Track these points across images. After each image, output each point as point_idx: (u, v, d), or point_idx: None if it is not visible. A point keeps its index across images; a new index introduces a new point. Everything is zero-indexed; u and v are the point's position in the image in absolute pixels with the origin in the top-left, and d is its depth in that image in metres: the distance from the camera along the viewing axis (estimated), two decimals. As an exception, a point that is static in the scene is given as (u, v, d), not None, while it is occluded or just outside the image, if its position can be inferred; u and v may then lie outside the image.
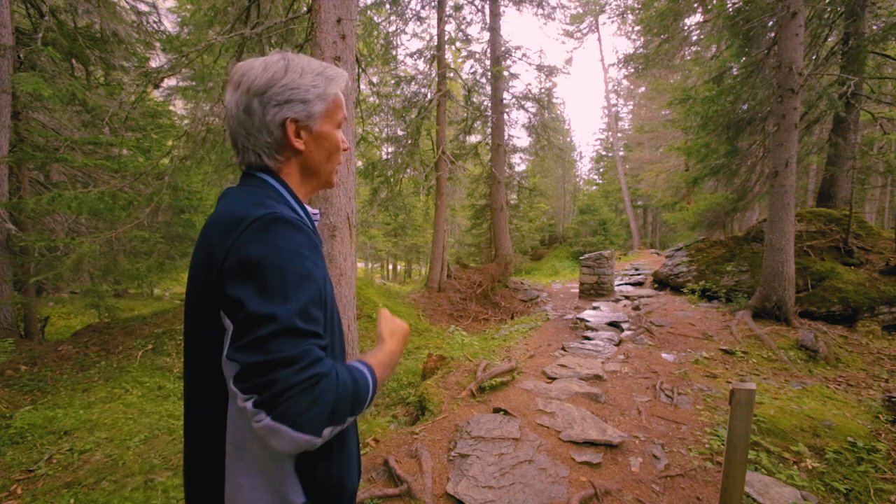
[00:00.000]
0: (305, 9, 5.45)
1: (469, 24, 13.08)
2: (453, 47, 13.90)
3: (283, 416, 0.60)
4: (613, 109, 29.81)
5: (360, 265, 25.20)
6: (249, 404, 0.61)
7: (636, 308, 7.65)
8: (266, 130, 0.81)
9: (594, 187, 31.85)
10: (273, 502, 0.75)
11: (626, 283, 10.95)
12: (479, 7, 12.90)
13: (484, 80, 13.49)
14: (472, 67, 13.87)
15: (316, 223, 0.93)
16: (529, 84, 30.41)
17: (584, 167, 38.05)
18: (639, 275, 11.98)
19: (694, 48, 10.41)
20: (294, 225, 0.72)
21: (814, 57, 8.31)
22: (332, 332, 0.82)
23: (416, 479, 2.58)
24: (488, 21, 12.91)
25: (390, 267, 28.69)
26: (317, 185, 0.92)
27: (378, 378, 0.79)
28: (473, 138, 15.21)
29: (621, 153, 27.10)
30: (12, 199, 5.69)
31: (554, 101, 15.03)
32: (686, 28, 9.57)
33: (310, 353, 0.64)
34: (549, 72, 13.54)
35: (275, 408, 0.60)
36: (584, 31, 22.86)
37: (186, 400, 0.81)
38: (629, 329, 6.30)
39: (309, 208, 0.90)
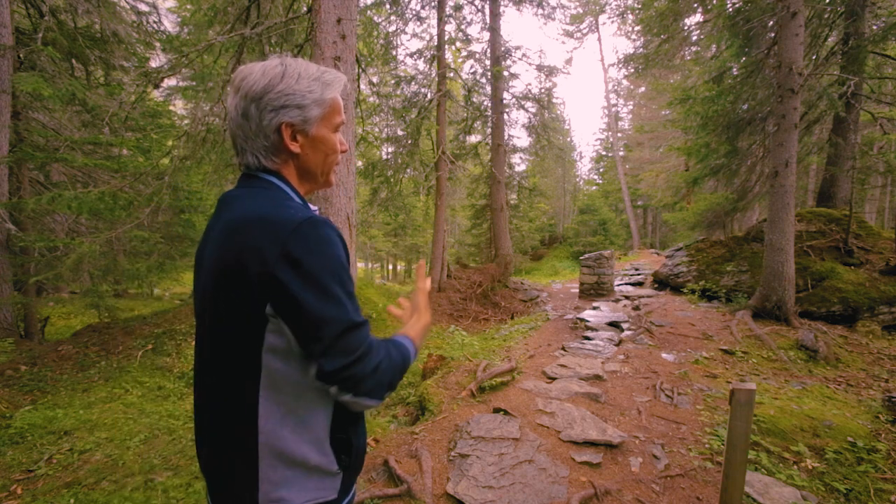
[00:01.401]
0: (305, 9, 5.45)
1: (469, 24, 13.09)
2: (453, 47, 13.90)
3: (363, 394, 0.79)
4: (613, 109, 29.81)
5: (360, 265, 25.20)
6: (334, 389, 0.77)
7: (636, 308, 7.65)
8: (263, 135, 0.85)
9: (594, 187, 31.86)
10: (311, 475, 0.83)
11: (626, 283, 10.95)
12: (479, 7, 12.90)
13: (484, 80, 13.49)
14: (472, 67, 13.88)
15: None
16: (529, 84, 30.43)
17: (584, 167, 38.10)
18: (639, 275, 11.98)
19: (694, 48, 10.42)
20: (329, 225, 0.79)
21: (814, 57, 8.31)
22: None
23: (416, 479, 2.57)
24: (488, 21, 12.91)
25: (390, 267, 28.69)
26: (315, 186, 0.96)
27: (416, 347, 0.96)
28: (473, 138, 15.21)
29: (621, 153, 27.10)
30: (12, 199, 5.69)
31: (554, 101, 15.03)
32: (686, 28, 9.57)
33: (368, 343, 0.80)
34: (549, 72, 13.54)
35: (357, 390, 0.78)
36: (584, 31, 22.86)
37: (207, 391, 0.86)
38: (629, 329, 6.30)
39: (311, 206, 0.93)
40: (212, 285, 0.81)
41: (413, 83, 12.38)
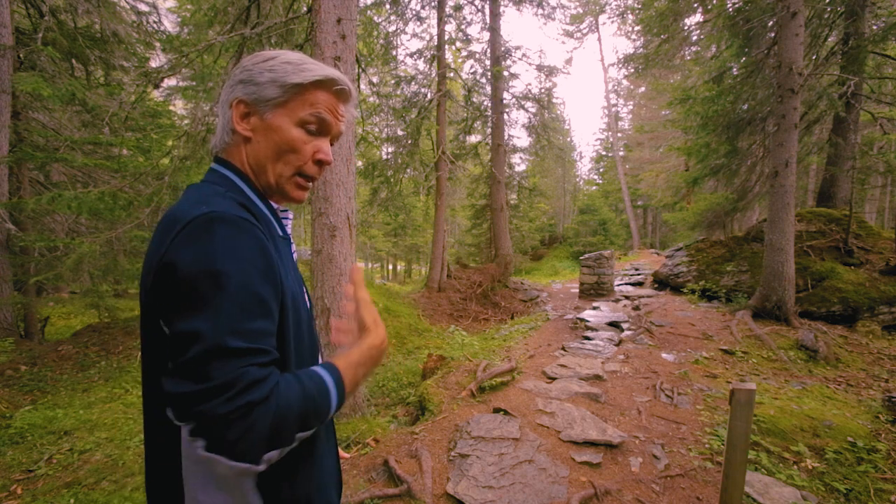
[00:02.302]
0: (305, 9, 5.45)
1: (469, 24, 13.09)
2: (453, 47, 13.91)
3: (218, 446, 0.56)
4: (613, 109, 29.82)
5: (360, 265, 25.18)
6: (186, 431, 0.57)
7: (636, 308, 7.65)
8: (221, 111, 0.80)
9: (594, 187, 31.85)
10: None
11: (626, 283, 10.95)
12: (479, 7, 12.91)
13: (484, 80, 13.49)
14: (472, 67, 13.89)
15: (285, 221, 0.86)
16: (529, 84, 30.40)
17: (584, 167, 38.09)
18: (639, 275, 11.98)
19: (694, 48, 10.41)
20: (235, 224, 0.64)
21: (814, 57, 8.31)
22: (297, 336, 0.75)
23: (416, 479, 2.58)
24: (488, 21, 12.91)
25: (390, 267, 28.69)
26: (270, 189, 0.81)
27: (348, 382, 0.71)
28: (473, 138, 15.21)
29: (621, 153, 27.10)
30: (12, 199, 5.69)
31: (554, 101, 15.03)
32: (686, 28, 9.57)
33: (242, 377, 0.57)
34: (549, 72, 13.54)
35: (208, 438, 0.56)
36: (584, 31, 22.86)
37: (144, 412, 0.75)
38: (629, 329, 6.30)
39: (277, 205, 0.84)
40: (140, 294, 0.72)
41: (413, 83, 12.38)
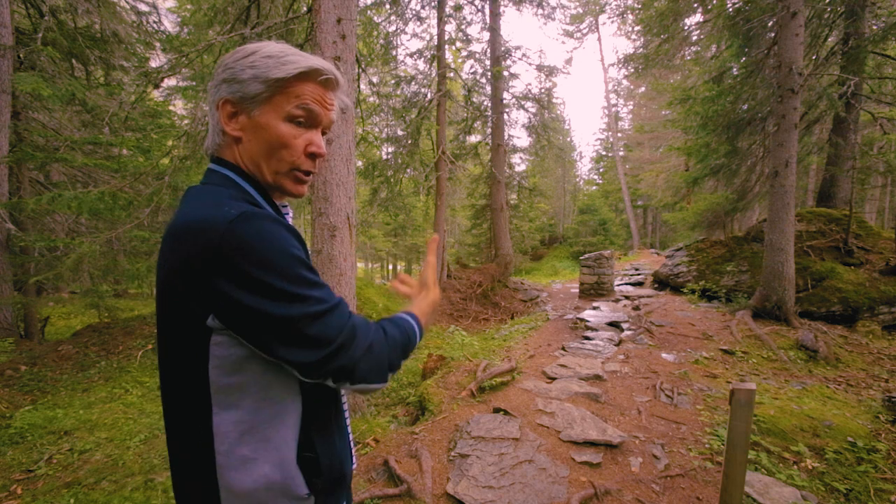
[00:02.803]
0: (305, 9, 5.45)
1: (469, 24, 13.08)
2: (453, 47, 13.89)
3: (360, 380, 0.74)
4: (613, 109, 29.82)
5: (360, 265, 25.20)
6: (330, 382, 0.72)
7: (636, 308, 7.65)
8: (210, 112, 0.79)
9: (594, 187, 31.87)
10: (277, 500, 0.73)
11: (626, 283, 10.95)
12: (479, 7, 12.90)
13: (484, 80, 13.49)
14: (472, 67, 13.88)
15: (286, 218, 0.87)
16: (529, 84, 30.39)
17: (584, 167, 38.08)
18: (639, 275, 11.98)
19: (694, 48, 10.40)
20: (267, 216, 0.69)
21: (814, 57, 8.31)
22: None
23: (416, 479, 2.58)
24: (488, 21, 12.90)
25: (390, 267, 28.68)
26: (269, 187, 0.81)
27: (423, 325, 0.90)
28: (473, 138, 15.20)
29: (621, 153, 27.10)
30: (12, 199, 5.69)
31: (554, 101, 15.04)
32: (686, 28, 9.56)
33: (350, 326, 0.73)
34: (549, 72, 13.53)
35: (352, 377, 0.73)
36: (584, 31, 22.84)
37: (167, 412, 0.78)
38: (629, 329, 6.30)
39: (278, 202, 0.84)
40: (159, 299, 0.74)
41: (413, 83, 12.38)
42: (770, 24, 7.24)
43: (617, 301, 8.61)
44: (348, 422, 0.94)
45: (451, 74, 12.21)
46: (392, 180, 12.06)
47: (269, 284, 0.65)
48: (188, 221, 0.69)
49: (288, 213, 0.87)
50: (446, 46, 12.02)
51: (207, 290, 0.66)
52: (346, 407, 0.92)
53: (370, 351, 0.74)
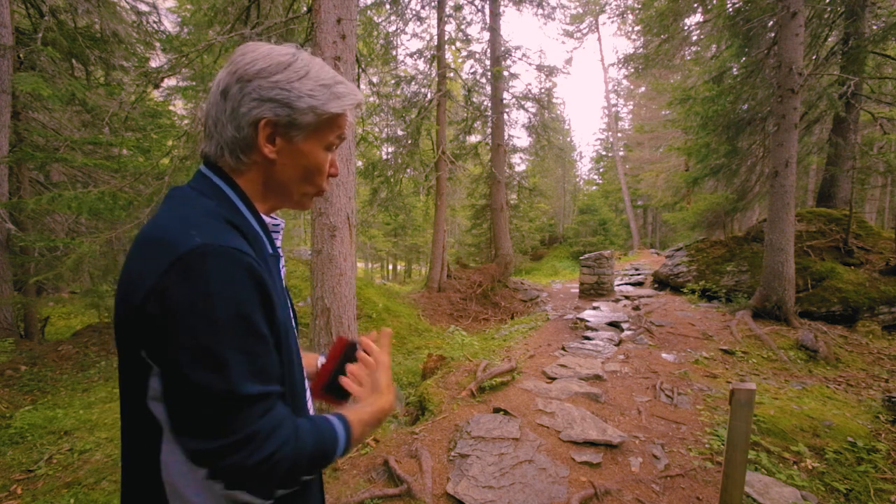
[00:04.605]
0: (305, 9, 5.45)
1: (469, 24, 13.09)
2: (453, 47, 13.90)
3: (238, 487, 0.60)
4: (613, 109, 29.81)
5: (360, 265, 25.20)
6: (202, 473, 0.59)
7: (636, 308, 7.65)
8: (235, 124, 0.70)
9: (594, 187, 31.87)
10: None
11: (626, 283, 10.95)
12: (479, 7, 12.90)
13: (484, 80, 13.49)
14: (472, 67, 13.88)
15: (275, 235, 0.81)
16: (529, 84, 30.40)
17: (584, 167, 38.08)
18: (639, 275, 11.98)
19: (694, 48, 10.41)
20: (230, 258, 0.61)
21: (814, 57, 8.31)
22: (289, 373, 0.73)
23: (416, 478, 2.58)
24: (488, 21, 12.90)
25: (390, 267, 28.68)
26: (283, 204, 0.80)
27: (356, 436, 0.74)
28: (473, 138, 15.20)
29: (621, 153, 27.10)
30: (12, 199, 5.69)
31: (554, 101, 15.04)
32: (686, 28, 9.56)
33: (264, 425, 0.60)
34: (549, 72, 13.53)
35: (229, 482, 0.59)
36: (584, 31, 22.84)
37: (122, 429, 0.71)
38: (629, 329, 6.30)
39: (268, 218, 0.78)
40: (116, 309, 0.66)
41: (413, 83, 12.38)
42: (770, 24, 7.24)
43: (617, 301, 8.61)
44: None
45: (451, 74, 12.21)
46: (392, 180, 12.05)
47: (198, 342, 0.57)
48: (153, 233, 0.63)
49: (278, 231, 0.82)
50: (446, 46, 12.02)
51: (140, 318, 0.59)
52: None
53: (269, 460, 0.60)
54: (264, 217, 0.77)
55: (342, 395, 0.87)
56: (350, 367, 0.89)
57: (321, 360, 0.96)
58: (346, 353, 0.90)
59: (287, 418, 0.65)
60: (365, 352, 0.89)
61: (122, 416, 0.70)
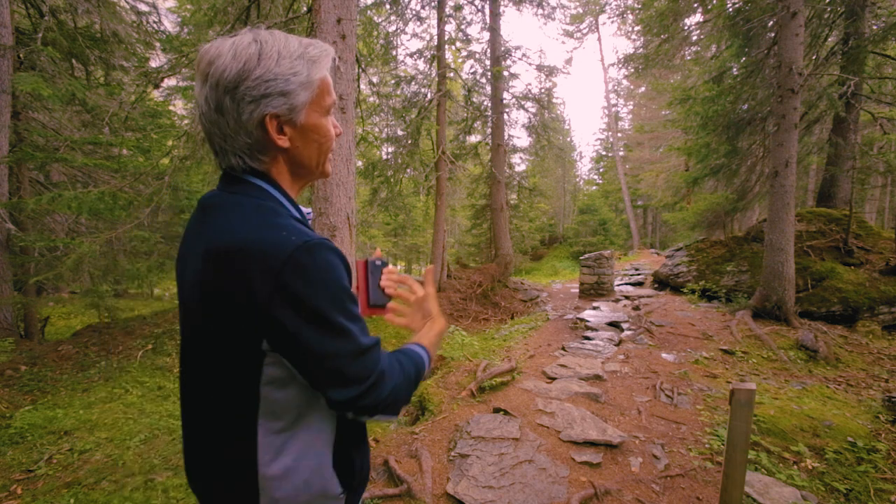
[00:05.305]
0: (305, 9, 5.46)
1: (469, 24, 13.08)
2: (453, 47, 13.89)
3: (378, 415, 0.77)
4: (613, 109, 29.81)
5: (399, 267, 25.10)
6: (350, 414, 0.75)
7: (636, 308, 7.65)
8: (244, 131, 0.72)
9: (594, 187, 31.88)
10: (314, 502, 0.79)
11: (626, 283, 10.95)
12: (479, 7, 12.90)
13: (484, 80, 13.48)
14: (472, 67, 13.87)
15: (309, 222, 0.87)
16: (529, 84, 30.39)
17: (584, 167, 38.10)
18: (639, 275, 11.98)
19: (694, 48, 10.40)
20: (326, 246, 0.71)
21: (814, 57, 8.31)
22: None
23: (416, 479, 2.57)
24: (488, 21, 12.90)
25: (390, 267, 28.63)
26: (310, 178, 0.86)
27: (432, 355, 0.93)
28: (473, 138, 15.19)
29: (621, 153, 27.10)
30: (12, 199, 5.69)
31: (554, 101, 15.04)
32: (686, 28, 9.56)
33: (381, 368, 0.76)
34: (549, 72, 13.53)
35: (373, 413, 0.76)
36: (584, 31, 22.85)
37: (195, 423, 0.80)
38: (629, 329, 6.30)
39: (302, 208, 0.85)
40: (199, 313, 0.74)
41: (413, 83, 12.37)
42: (770, 24, 7.24)
43: (617, 301, 8.60)
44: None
45: (451, 74, 12.20)
46: (392, 180, 12.05)
47: (326, 319, 0.69)
48: (239, 241, 0.68)
49: (310, 216, 0.89)
50: (446, 46, 12.01)
51: (264, 316, 0.67)
52: None
53: (393, 391, 0.77)
54: (301, 208, 0.85)
55: (383, 304, 1.01)
56: (389, 306, 1.03)
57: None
58: (370, 271, 1.00)
59: (389, 355, 0.82)
60: (380, 264, 1.02)
61: (197, 407, 0.79)
